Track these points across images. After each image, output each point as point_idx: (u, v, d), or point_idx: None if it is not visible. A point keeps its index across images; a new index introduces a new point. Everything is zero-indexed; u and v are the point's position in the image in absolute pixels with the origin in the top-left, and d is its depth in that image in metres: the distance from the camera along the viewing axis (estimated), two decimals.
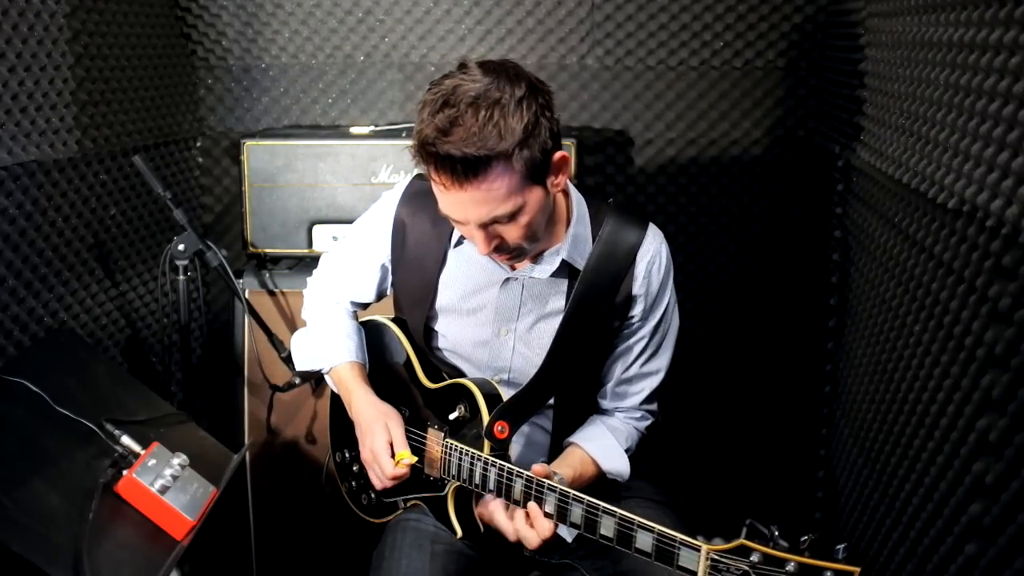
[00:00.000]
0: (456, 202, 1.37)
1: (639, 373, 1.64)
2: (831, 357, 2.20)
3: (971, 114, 1.40)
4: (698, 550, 1.24)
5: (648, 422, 1.68)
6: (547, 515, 1.42)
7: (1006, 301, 1.25)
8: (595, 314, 1.55)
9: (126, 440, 1.59)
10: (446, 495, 1.57)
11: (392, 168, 2.23)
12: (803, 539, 1.16)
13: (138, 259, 2.33)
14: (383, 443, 1.55)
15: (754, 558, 1.18)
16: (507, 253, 1.46)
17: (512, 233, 1.42)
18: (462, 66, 1.38)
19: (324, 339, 1.72)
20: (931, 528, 1.47)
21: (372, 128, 2.41)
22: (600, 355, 1.62)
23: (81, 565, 1.32)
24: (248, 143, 2.27)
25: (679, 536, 1.26)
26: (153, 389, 1.88)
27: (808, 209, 2.52)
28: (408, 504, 1.65)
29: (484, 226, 1.39)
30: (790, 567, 1.15)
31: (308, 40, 2.59)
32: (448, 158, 1.30)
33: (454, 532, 1.57)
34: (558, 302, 1.58)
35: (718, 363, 2.66)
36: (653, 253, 1.58)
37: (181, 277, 2.14)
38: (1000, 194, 1.28)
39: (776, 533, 1.18)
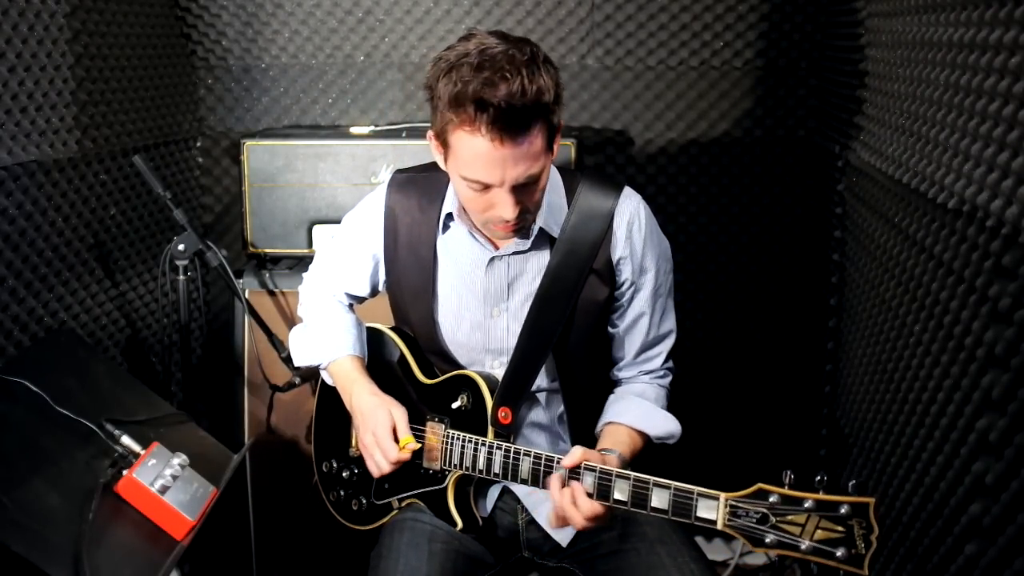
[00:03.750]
0: (496, 160, 1.36)
1: (655, 337, 1.65)
2: (831, 357, 2.20)
3: (971, 114, 1.41)
4: (716, 499, 1.27)
5: (670, 378, 1.71)
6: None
7: (1006, 301, 1.25)
8: (576, 281, 1.56)
9: (126, 440, 1.59)
10: (446, 487, 1.57)
11: (392, 168, 2.22)
12: (817, 479, 1.21)
13: (138, 259, 2.32)
14: (386, 428, 1.55)
15: (772, 499, 1.23)
16: (519, 221, 1.46)
17: (530, 199, 1.44)
18: (469, 35, 1.40)
19: (323, 333, 1.72)
20: (931, 528, 1.47)
21: (372, 128, 2.41)
22: (595, 328, 1.62)
23: (81, 565, 1.32)
24: (248, 143, 2.27)
25: (696, 488, 1.29)
26: (153, 389, 1.88)
27: (808, 209, 2.52)
28: (403, 503, 1.65)
29: (514, 189, 1.39)
30: (808, 504, 1.20)
31: (308, 40, 2.58)
32: (506, 109, 1.31)
33: (454, 524, 1.57)
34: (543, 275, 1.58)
35: (718, 363, 2.66)
36: (631, 214, 1.58)
37: (181, 277, 2.14)
38: (1000, 194, 1.28)
39: (792, 477, 1.23)
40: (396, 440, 1.55)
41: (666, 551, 1.51)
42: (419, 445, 1.57)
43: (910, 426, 1.58)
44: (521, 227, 1.50)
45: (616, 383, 1.69)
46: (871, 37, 2.00)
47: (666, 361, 1.69)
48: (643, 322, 1.63)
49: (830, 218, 2.25)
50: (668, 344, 1.68)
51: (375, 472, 1.58)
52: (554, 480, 1.41)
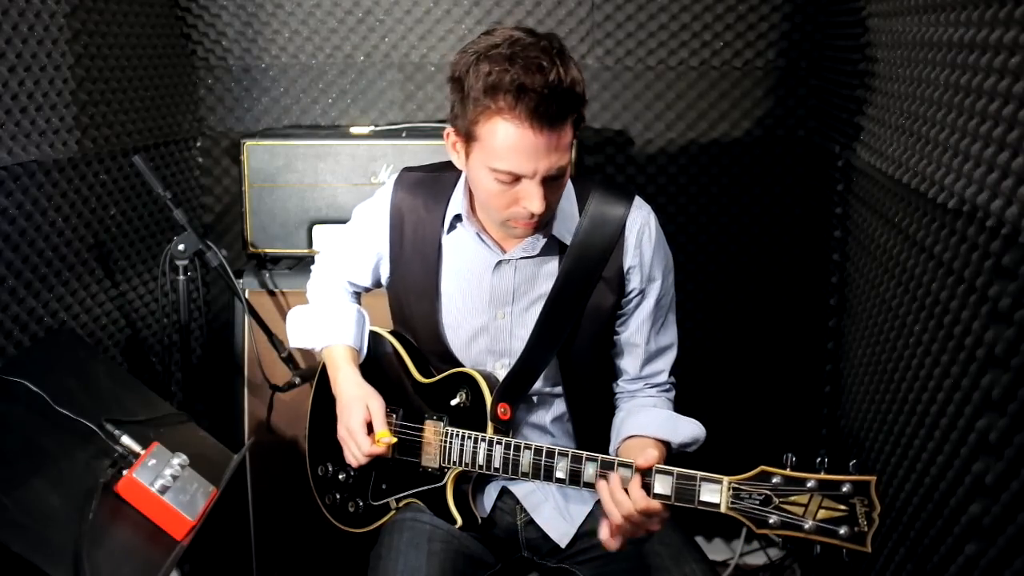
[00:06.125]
0: (531, 150, 1.35)
1: (658, 348, 1.64)
2: (831, 357, 2.20)
3: (971, 114, 1.41)
4: (719, 482, 1.28)
5: (674, 392, 1.70)
6: (559, 480, 1.44)
7: (1006, 301, 1.25)
8: (586, 288, 1.56)
9: (126, 440, 1.59)
10: (445, 485, 1.57)
11: (392, 168, 2.23)
12: (818, 461, 1.24)
13: (138, 259, 2.32)
14: (360, 421, 1.56)
15: (775, 481, 1.25)
16: (540, 217, 1.45)
17: (554, 196, 1.44)
18: (491, 30, 1.40)
19: (325, 318, 1.73)
20: (931, 528, 1.47)
21: (372, 128, 2.41)
22: (601, 335, 1.61)
23: (81, 565, 1.32)
24: (248, 143, 2.27)
25: (699, 472, 1.30)
26: (153, 389, 1.88)
27: (808, 209, 2.52)
28: (401, 503, 1.65)
29: (543, 181, 1.39)
30: (810, 484, 1.22)
31: (308, 40, 2.58)
32: (548, 96, 1.31)
33: (453, 522, 1.57)
34: (551, 280, 1.58)
35: (719, 363, 2.66)
36: (642, 223, 1.58)
37: (181, 277, 2.14)
38: (1000, 194, 1.28)
39: (794, 460, 1.25)
40: (372, 433, 1.56)
41: (667, 551, 1.51)
42: (395, 440, 1.58)
43: (910, 426, 1.58)
44: (539, 225, 1.49)
45: (620, 397, 1.67)
46: (871, 37, 2.00)
47: (670, 375, 1.68)
48: (646, 331, 1.62)
49: (830, 218, 2.25)
50: (671, 357, 1.67)
51: (352, 463, 1.59)
52: (603, 484, 1.37)
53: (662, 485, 1.32)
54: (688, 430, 1.56)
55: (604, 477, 1.38)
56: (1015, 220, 1.23)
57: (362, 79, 2.61)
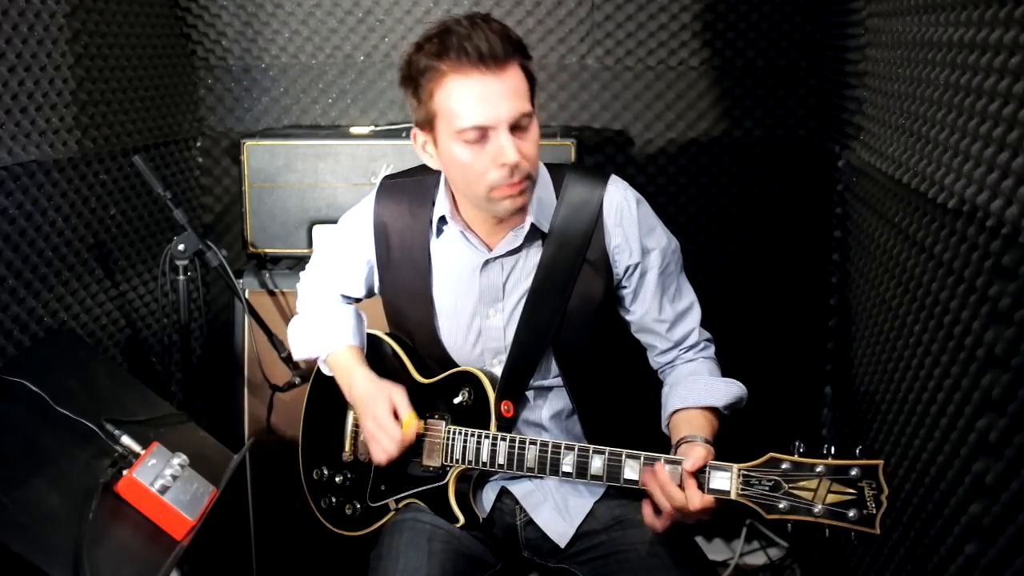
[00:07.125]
0: (487, 96, 1.39)
1: (678, 314, 1.63)
2: (831, 357, 2.20)
3: (971, 114, 1.40)
4: (729, 470, 1.31)
5: (713, 347, 1.68)
6: (566, 474, 1.45)
7: (1006, 301, 1.25)
8: (569, 273, 1.55)
9: (126, 440, 1.59)
10: (447, 483, 1.57)
11: (392, 168, 2.23)
12: (824, 448, 1.27)
13: (138, 259, 2.33)
14: (386, 411, 1.56)
15: (784, 467, 1.28)
16: (521, 175, 1.45)
17: (527, 148, 1.44)
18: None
19: (322, 325, 1.73)
20: (931, 528, 1.47)
21: (372, 128, 2.41)
22: (594, 321, 1.60)
23: (81, 565, 1.32)
24: (248, 143, 2.27)
25: (709, 461, 1.34)
26: (153, 389, 1.88)
27: (808, 209, 2.52)
28: (400, 504, 1.65)
29: (511, 130, 1.41)
30: (819, 469, 1.25)
31: (308, 40, 2.59)
32: (488, 42, 1.38)
33: (455, 521, 1.57)
34: None
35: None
36: (619, 202, 1.58)
37: (181, 277, 2.14)
38: (1000, 194, 1.28)
39: (802, 449, 1.28)
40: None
41: (666, 551, 1.51)
42: (423, 422, 1.57)
43: (910, 426, 1.58)
44: (525, 188, 1.47)
45: (662, 372, 1.67)
46: (871, 37, 2.00)
47: (701, 333, 1.66)
48: (659, 301, 1.61)
49: (830, 218, 2.25)
50: (695, 317, 1.65)
51: (383, 459, 1.57)
52: (650, 478, 1.39)
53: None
54: (727, 392, 1.57)
55: (649, 470, 1.39)
56: (1015, 220, 1.23)
57: (362, 79, 2.61)
